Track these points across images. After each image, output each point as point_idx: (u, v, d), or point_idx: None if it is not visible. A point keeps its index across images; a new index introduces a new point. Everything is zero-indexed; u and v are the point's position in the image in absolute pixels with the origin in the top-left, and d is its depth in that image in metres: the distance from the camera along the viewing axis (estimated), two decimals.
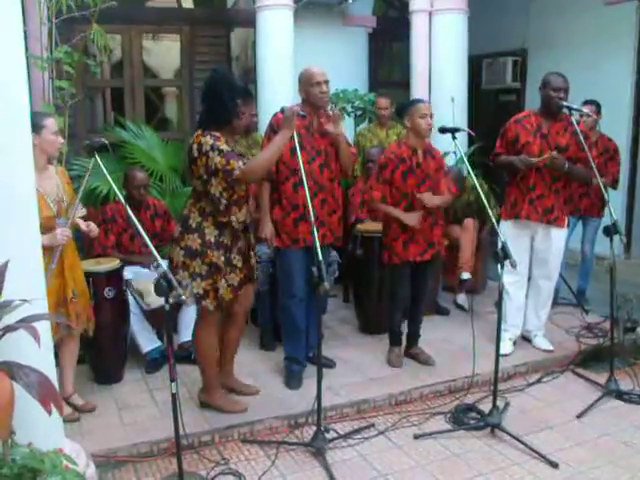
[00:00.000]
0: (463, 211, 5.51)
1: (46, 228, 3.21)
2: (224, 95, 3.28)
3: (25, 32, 2.57)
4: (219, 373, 3.72)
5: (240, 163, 3.21)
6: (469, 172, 3.87)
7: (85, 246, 4.26)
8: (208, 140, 3.23)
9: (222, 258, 3.36)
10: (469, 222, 5.40)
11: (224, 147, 3.23)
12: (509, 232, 4.26)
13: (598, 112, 5.35)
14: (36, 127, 3.19)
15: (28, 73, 2.55)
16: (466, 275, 5.25)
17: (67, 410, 3.41)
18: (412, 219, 4.02)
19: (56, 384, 2.45)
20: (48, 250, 3.14)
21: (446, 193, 4.16)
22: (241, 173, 3.21)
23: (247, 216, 3.49)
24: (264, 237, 3.87)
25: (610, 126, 5.60)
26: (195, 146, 3.27)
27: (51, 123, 3.29)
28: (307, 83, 3.81)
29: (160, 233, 4.57)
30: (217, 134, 3.28)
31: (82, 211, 3.66)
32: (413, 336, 4.42)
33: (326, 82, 3.81)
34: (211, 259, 3.34)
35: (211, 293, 3.37)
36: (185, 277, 3.33)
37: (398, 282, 4.25)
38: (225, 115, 3.31)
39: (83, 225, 3.50)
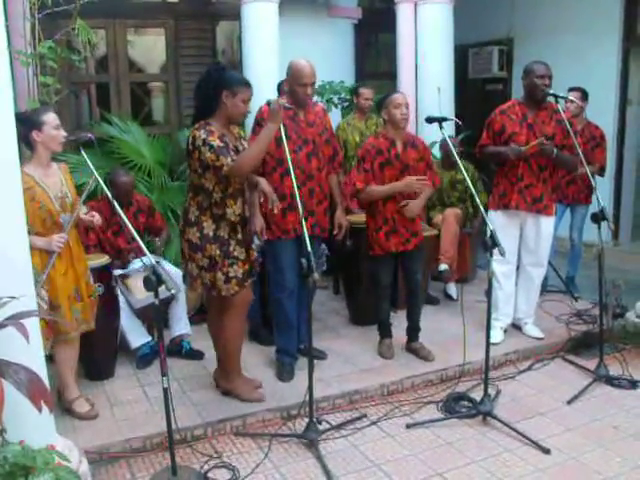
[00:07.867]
0: (446, 196, 5.52)
1: (50, 223, 3.25)
2: (208, 89, 3.31)
3: (7, 27, 2.55)
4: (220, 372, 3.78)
5: (229, 160, 3.21)
6: (457, 162, 3.87)
7: None
8: (201, 134, 3.24)
9: (218, 252, 3.37)
10: (449, 212, 5.38)
11: (215, 142, 3.22)
12: (498, 221, 4.27)
13: (585, 99, 5.36)
14: (37, 124, 3.18)
15: (12, 69, 2.51)
16: (443, 267, 5.20)
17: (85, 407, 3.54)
18: (405, 184, 4.00)
19: (46, 381, 2.44)
20: (46, 252, 3.20)
21: (430, 186, 4.18)
22: (229, 170, 3.21)
23: (244, 209, 3.49)
24: (255, 230, 3.86)
25: (596, 114, 5.61)
26: (190, 139, 3.30)
27: (52, 118, 3.26)
28: (294, 80, 3.77)
29: (148, 227, 4.59)
30: (212, 128, 3.28)
31: (84, 210, 3.67)
32: (413, 330, 4.37)
33: (313, 84, 3.80)
34: (210, 253, 3.37)
35: (221, 282, 3.41)
36: (194, 269, 3.43)
37: (380, 272, 4.26)
38: (206, 107, 3.34)
39: (87, 217, 3.48)
